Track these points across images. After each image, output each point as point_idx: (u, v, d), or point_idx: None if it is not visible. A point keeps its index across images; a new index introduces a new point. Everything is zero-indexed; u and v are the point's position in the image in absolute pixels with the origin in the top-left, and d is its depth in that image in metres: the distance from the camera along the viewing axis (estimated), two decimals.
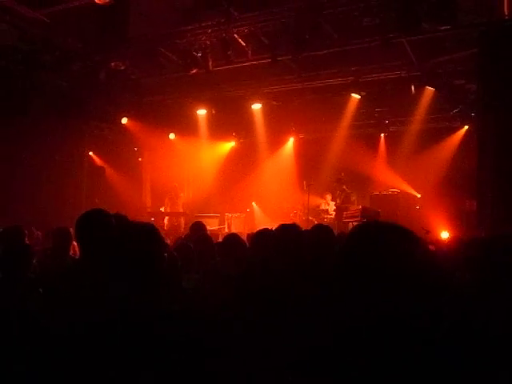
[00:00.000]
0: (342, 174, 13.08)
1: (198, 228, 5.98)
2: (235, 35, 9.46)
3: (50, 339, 2.00)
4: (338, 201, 12.56)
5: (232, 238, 4.40)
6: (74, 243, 4.66)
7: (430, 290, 1.34)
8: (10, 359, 2.11)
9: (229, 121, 14.43)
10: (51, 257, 4.39)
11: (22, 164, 10.39)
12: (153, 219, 12.74)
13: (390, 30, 8.39)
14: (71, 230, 4.84)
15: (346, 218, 12.13)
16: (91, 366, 1.77)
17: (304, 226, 4.08)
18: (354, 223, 11.44)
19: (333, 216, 12.83)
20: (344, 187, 12.59)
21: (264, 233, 3.97)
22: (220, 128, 14.57)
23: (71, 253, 4.65)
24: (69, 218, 11.45)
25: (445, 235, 9.95)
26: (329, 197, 13.23)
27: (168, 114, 13.65)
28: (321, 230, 3.86)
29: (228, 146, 16.10)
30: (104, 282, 2.11)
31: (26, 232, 5.23)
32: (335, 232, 4.38)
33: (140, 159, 15.40)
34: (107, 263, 2.22)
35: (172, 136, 15.01)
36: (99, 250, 2.56)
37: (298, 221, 13.32)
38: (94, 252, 2.66)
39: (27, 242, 4.83)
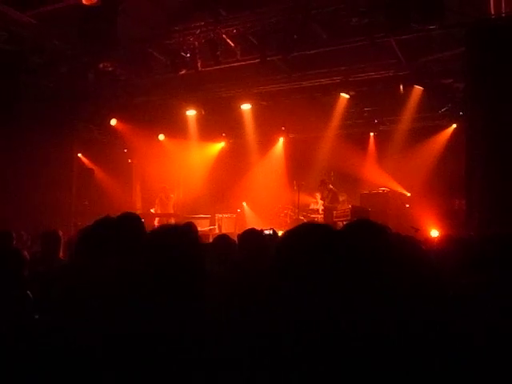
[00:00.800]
0: (332, 173, 13.14)
1: None
2: (224, 36, 9.45)
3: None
4: (325, 202, 12.58)
5: (222, 240, 4.39)
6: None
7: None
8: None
9: (218, 121, 14.40)
10: (40, 260, 4.35)
11: (10, 166, 10.29)
12: (143, 220, 12.67)
13: (378, 29, 8.44)
14: (60, 232, 4.81)
15: (336, 217, 12.16)
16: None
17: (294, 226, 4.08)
18: (345, 222, 11.48)
19: (323, 215, 12.87)
20: (330, 187, 12.62)
21: (250, 233, 3.97)
22: (210, 129, 14.55)
23: (60, 256, 4.61)
24: (58, 220, 11.45)
25: (434, 233, 10.00)
26: (319, 196, 13.26)
27: (157, 115, 13.60)
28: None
29: (218, 146, 16.08)
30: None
31: (15, 235, 5.18)
32: None
33: (129, 161, 15.34)
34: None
35: (161, 137, 14.97)
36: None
37: (288, 221, 13.35)
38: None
39: (15, 246, 4.79)
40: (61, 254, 4.64)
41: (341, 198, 12.88)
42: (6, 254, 3.48)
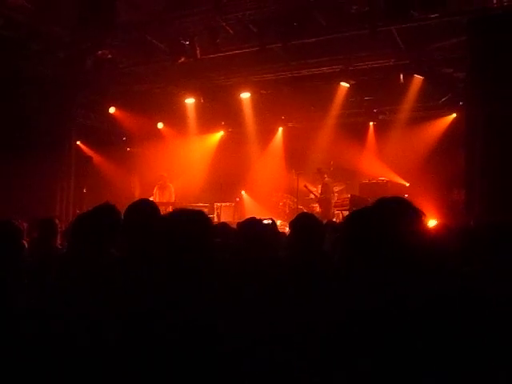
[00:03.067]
0: (332, 162, 13.10)
1: None
2: (223, 23, 9.37)
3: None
4: (319, 193, 12.55)
5: (221, 228, 4.39)
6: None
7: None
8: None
9: (217, 110, 14.34)
10: (36, 248, 4.33)
11: (7, 153, 10.24)
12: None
13: (378, 18, 8.37)
14: (57, 220, 4.80)
15: (335, 206, 12.17)
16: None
17: (293, 215, 4.08)
18: (344, 212, 11.48)
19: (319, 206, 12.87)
20: (325, 177, 12.59)
21: (250, 221, 3.96)
22: (209, 117, 14.49)
23: (58, 244, 4.60)
24: (57, 208, 11.43)
25: (432, 223, 10.00)
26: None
27: (156, 103, 13.55)
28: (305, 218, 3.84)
29: (217, 135, 16.04)
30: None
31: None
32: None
33: (128, 149, 15.29)
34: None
35: (160, 125, 14.93)
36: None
37: (287, 210, 13.34)
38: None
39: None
40: (58, 241, 4.62)
41: (336, 189, 12.89)
42: (3, 242, 3.46)
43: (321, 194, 12.44)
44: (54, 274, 2.67)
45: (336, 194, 12.84)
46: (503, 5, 7.79)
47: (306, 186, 12.75)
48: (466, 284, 1.76)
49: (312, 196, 13.26)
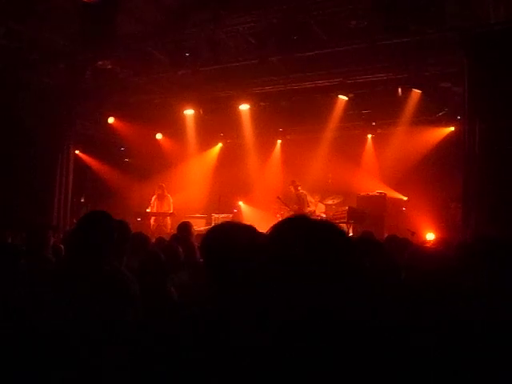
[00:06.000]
0: (330, 175, 13.14)
1: (183, 228, 6.00)
2: (223, 35, 9.44)
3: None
4: (295, 206, 12.58)
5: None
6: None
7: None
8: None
9: (216, 121, 14.39)
10: (28, 259, 4.23)
11: (5, 162, 10.25)
12: (139, 219, 12.68)
13: (377, 32, 8.44)
14: (50, 230, 4.76)
15: (333, 219, 12.17)
16: None
17: None
18: (341, 225, 11.48)
19: (319, 217, 12.87)
20: (299, 189, 12.65)
21: None
22: (208, 128, 14.54)
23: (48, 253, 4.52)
24: (55, 217, 11.41)
25: (430, 236, 10.01)
26: (316, 198, 13.27)
27: (155, 114, 13.58)
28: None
29: (216, 146, 16.08)
30: None
31: (11, 233, 5.16)
32: None
33: (127, 160, 15.31)
34: None
35: (159, 136, 14.96)
36: None
37: None
38: None
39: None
40: (49, 251, 4.56)
41: (333, 202, 12.96)
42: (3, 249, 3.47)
43: (299, 207, 12.53)
44: (48, 286, 2.62)
45: (313, 205, 12.94)
46: (500, 21, 7.85)
47: (278, 198, 12.83)
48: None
49: (310, 208, 13.24)
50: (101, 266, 2.56)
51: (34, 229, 4.67)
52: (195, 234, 6.66)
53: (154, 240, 6.17)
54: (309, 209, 12.64)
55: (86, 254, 2.62)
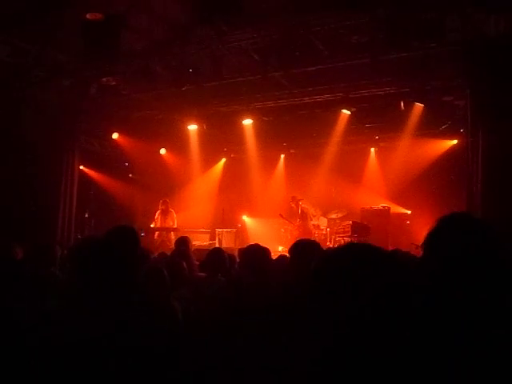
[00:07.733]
0: (333, 189, 13.14)
1: (181, 243, 6.02)
2: (226, 51, 9.52)
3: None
4: (298, 221, 12.61)
5: (215, 254, 4.40)
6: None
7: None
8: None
9: (220, 136, 14.45)
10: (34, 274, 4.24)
11: (9, 177, 10.29)
12: (143, 234, 12.68)
13: (378, 47, 8.49)
14: (57, 247, 4.77)
15: (336, 233, 12.16)
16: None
17: (293, 241, 4.08)
18: (346, 239, 11.47)
19: (324, 231, 12.86)
20: (300, 204, 12.68)
21: (253, 249, 3.97)
22: (211, 143, 14.59)
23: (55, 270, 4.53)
24: (59, 233, 11.42)
25: None
26: (319, 212, 13.27)
27: (159, 130, 13.64)
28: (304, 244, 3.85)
29: (219, 161, 16.13)
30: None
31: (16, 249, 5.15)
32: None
33: (130, 175, 15.36)
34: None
35: (163, 151, 15.01)
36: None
37: (289, 236, 13.32)
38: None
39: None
40: (57, 267, 4.57)
41: (337, 216, 12.96)
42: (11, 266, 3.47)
43: (299, 220, 12.55)
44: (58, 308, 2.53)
45: (316, 219, 12.94)
46: (501, 35, 7.89)
47: (281, 215, 12.89)
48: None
49: (313, 222, 13.24)
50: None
51: (41, 245, 4.68)
52: (193, 248, 6.69)
53: (156, 255, 6.17)
54: (312, 223, 12.66)
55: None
